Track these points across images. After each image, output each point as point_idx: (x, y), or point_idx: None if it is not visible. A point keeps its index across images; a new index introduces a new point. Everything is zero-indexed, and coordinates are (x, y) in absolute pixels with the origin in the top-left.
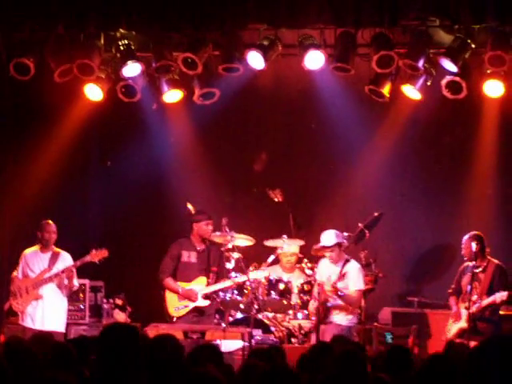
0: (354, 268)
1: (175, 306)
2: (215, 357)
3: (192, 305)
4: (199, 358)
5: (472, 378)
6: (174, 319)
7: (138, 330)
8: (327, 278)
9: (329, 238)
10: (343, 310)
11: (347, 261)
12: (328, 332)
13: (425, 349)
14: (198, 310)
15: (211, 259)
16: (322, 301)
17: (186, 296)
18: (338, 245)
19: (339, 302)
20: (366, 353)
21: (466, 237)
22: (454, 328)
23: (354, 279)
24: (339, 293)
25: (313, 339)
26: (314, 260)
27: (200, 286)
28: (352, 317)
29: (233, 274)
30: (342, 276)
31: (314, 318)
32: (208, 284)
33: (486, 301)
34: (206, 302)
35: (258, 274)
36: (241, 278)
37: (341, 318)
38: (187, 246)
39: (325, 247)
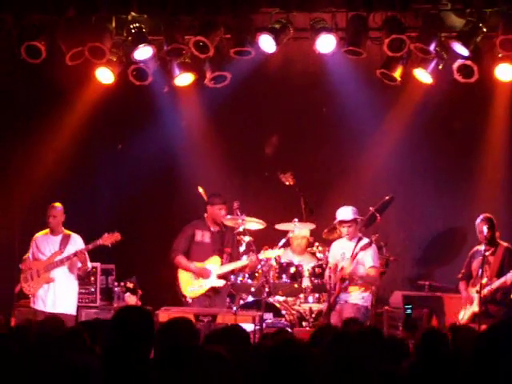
0: (367, 244)
1: (190, 286)
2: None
3: (207, 285)
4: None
5: (480, 361)
6: (189, 300)
7: (151, 313)
8: (341, 254)
9: (347, 212)
10: (360, 286)
11: (360, 238)
12: (345, 312)
13: None
14: (212, 290)
15: (225, 240)
16: (338, 280)
17: (198, 273)
18: (355, 221)
19: (356, 277)
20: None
21: (478, 220)
22: (466, 313)
23: (369, 257)
24: (358, 268)
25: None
26: (326, 243)
27: (214, 265)
28: (367, 294)
29: (244, 258)
30: (362, 248)
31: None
32: (222, 264)
33: (497, 282)
34: (221, 282)
35: (271, 253)
36: (253, 257)
37: (356, 296)
38: (201, 226)
39: (343, 221)
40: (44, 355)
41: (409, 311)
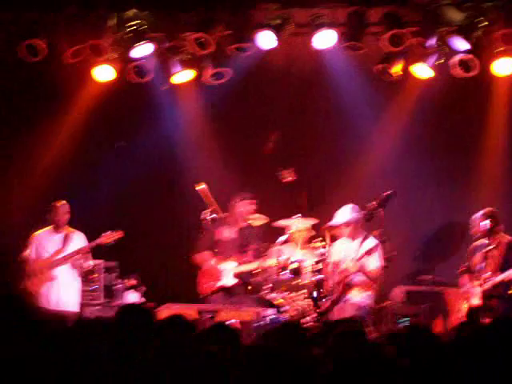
0: (373, 245)
1: (205, 283)
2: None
3: (220, 283)
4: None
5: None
6: (205, 296)
7: (152, 311)
8: (345, 255)
9: (341, 215)
10: (360, 286)
11: (366, 237)
12: (346, 311)
13: (439, 327)
14: (225, 289)
15: (249, 238)
16: (339, 280)
17: (208, 273)
18: (353, 223)
19: (360, 278)
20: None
21: (477, 215)
22: (466, 306)
23: (374, 256)
24: (361, 269)
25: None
26: (331, 239)
27: (232, 263)
28: (369, 293)
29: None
30: (368, 252)
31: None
32: (242, 263)
33: (500, 277)
34: (234, 281)
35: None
36: (269, 262)
37: (356, 295)
38: (225, 222)
39: (339, 224)
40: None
41: (406, 323)
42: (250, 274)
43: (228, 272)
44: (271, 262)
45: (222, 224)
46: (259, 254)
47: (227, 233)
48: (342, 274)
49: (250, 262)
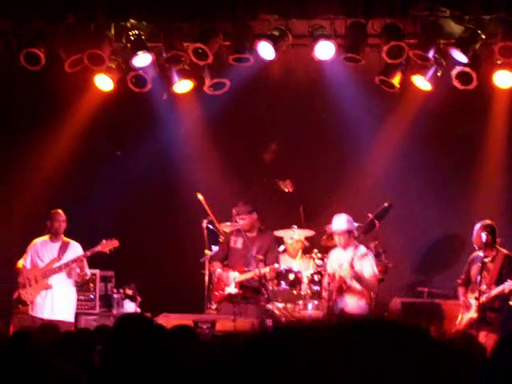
0: (367, 254)
1: (217, 289)
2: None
3: (227, 291)
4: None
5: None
6: (214, 305)
7: (152, 320)
8: (339, 265)
9: (340, 222)
10: (356, 295)
11: (356, 246)
12: None
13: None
14: (230, 297)
15: (258, 247)
16: (335, 289)
17: (219, 281)
18: (348, 232)
19: (355, 285)
20: None
21: (477, 226)
22: (464, 318)
23: (368, 265)
24: (356, 276)
25: None
26: (324, 250)
27: (235, 273)
28: (364, 302)
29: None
30: (360, 258)
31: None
32: (242, 272)
33: (495, 290)
34: (235, 290)
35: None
36: (264, 269)
37: (353, 305)
38: (237, 232)
39: (334, 232)
40: (35, 363)
41: None
42: (248, 282)
43: (232, 280)
44: (265, 270)
45: (233, 233)
46: (267, 264)
47: (239, 243)
48: (337, 281)
49: (250, 271)
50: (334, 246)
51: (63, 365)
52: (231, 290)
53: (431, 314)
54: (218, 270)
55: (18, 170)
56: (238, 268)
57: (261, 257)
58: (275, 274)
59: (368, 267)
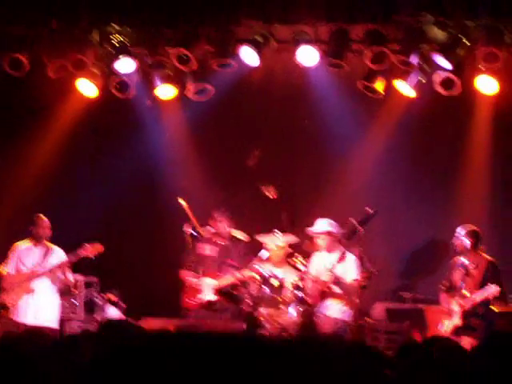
0: (350, 259)
1: (189, 297)
2: None
3: (203, 298)
4: None
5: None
6: (188, 311)
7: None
8: (322, 269)
9: (318, 225)
10: (339, 300)
11: (343, 252)
12: (322, 326)
13: None
14: (209, 305)
15: (230, 253)
16: (317, 293)
17: (191, 289)
18: (328, 233)
19: (337, 290)
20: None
21: (460, 230)
22: (447, 325)
23: (351, 269)
24: (336, 280)
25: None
26: (308, 256)
27: (211, 279)
28: (346, 308)
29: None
30: (342, 262)
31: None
32: (219, 277)
33: (479, 296)
34: (213, 297)
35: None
36: (246, 273)
37: (334, 310)
38: (206, 239)
39: (313, 233)
40: (24, 369)
41: None
42: (230, 288)
43: (208, 287)
44: (248, 273)
45: (204, 240)
46: (238, 270)
47: (208, 249)
48: (319, 285)
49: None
50: (317, 251)
51: (51, 370)
52: (210, 297)
53: (415, 319)
54: (191, 278)
55: (1, 176)
56: (211, 275)
57: (234, 263)
58: (258, 278)
59: (351, 272)
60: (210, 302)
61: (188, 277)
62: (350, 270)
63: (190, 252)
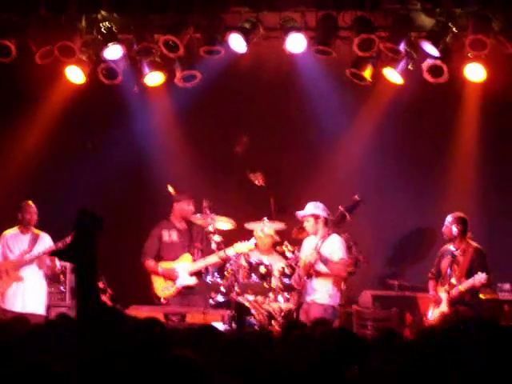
0: (336, 239)
1: (162, 286)
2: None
3: (179, 284)
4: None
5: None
6: (162, 300)
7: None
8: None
9: (306, 208)
10: (326, 280)
11: (329, 234)
12: (311, 312)
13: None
14: (187, 289)
15: (193, 236)
16: (303, 274)
17: (165, 275)
18: (314, 216)
19: (323, 269)
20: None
21: (448, 218)
22: (435, 313)
23: (337, 249)
24: (322, 258)
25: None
26: (296, 243)
27: (185, 263)
28: (335, 291)
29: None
30: (328, 242)
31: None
32: (194, 261)
33: (466, 284)
34: (193, 280)
35: (243, 246)
36: (228, 252)
37: (323, 296)
38: (167, 225)
39: (300, 216)
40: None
41: None
42: (215, 266)
43: (183, 272)
44: (230, 252)
45: (168, 227)
46: (204, 254)
47: (166, 235)
48: (306, 267)
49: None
50: (306, 238)
51: (34, 358)
52: (188, 281)
53: (402, 306)
54: (162, 266)
55: None
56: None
57: (199, 245)
58: (246, 265)
59: (338, 251)
60: (188, 287)
61: (157, 266)
62: (336, 249)
63: (152, 240)
